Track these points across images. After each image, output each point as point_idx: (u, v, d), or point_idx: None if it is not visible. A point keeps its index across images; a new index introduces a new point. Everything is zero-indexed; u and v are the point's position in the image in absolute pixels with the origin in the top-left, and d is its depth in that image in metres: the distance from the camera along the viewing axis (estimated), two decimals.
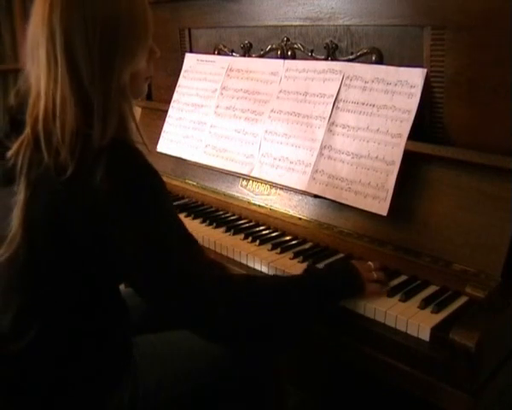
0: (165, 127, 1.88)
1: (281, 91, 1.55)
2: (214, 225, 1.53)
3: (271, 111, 1.56)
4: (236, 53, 1.76)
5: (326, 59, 1.49)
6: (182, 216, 1.62)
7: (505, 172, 1.11)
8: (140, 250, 0.91)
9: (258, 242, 1.40)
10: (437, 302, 1.09)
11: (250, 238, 1.43)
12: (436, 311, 1.07)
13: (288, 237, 1.45)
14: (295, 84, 1.52)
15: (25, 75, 0.98)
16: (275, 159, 1.51)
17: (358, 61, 1.41)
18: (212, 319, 0.96)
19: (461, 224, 1.16)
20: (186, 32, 1.91)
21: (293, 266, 1.28)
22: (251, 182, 1.60)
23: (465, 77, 1.21)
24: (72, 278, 0.96)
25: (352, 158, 1.34)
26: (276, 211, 1.52)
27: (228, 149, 1.64)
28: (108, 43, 0.93)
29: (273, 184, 1.53)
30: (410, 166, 1.26)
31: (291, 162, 1.47)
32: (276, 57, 1.62)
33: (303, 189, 1.42)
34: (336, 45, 1.46)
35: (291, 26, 1.56)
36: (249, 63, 1.68)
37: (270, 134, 1.55)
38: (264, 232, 1.49)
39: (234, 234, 1.47)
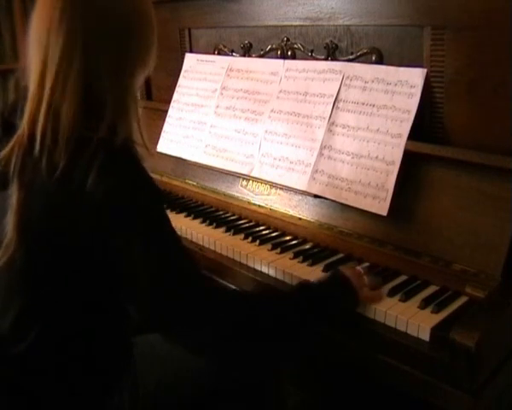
0: (165, 127, 1.88)
1: (281, 91, 1.55)
2: (214, 225, 1.53)
3: (271, 111, 1.56)
4: (236, 53, 1.76)
5: (326, 59, 1.49)
6: (182, 216, 1.63)
7: (505, 172, 1.11)
8: (138, 255, 0.90)
9: (258, 242, 1.40)
10: (437, 302, 1.09)
11: (250, 238, 1.43)
12: (436, 311, 1.07)
13: (288, 237, 1.45)
14: (295, 84, 1.52)
15: (21, 73, 0.96)
16: (275, 159, 1.51)
17: (358, 61, 1.41)
18: (203, 334, 0.94)
19: (461, 224, 1.16)
20: (186, 32, 1.91)
21: (293, 266, 1.28)
22: (251, 182, 1.60)
23: (465, 77, 1.21)
24: (70, 280, 0.95)
25: (352, 158, 1.34)
26: (276, 211, 1.52)
27: (228, 149, 1.64)
28: (126, 41, 0.93)
29: (273, 184, 1.53)
30: (410, 166, 1.26)
31: (291, 162, 1.47)
32: (276, 57, 1.62)
33: (303, 189, 1.42)
34: (336, 45, 1.46)
35: (291, 26, 1.56)
36: (249, 63, 1.68)
37: (270, 134, 1.55)
38: (264, 232, 1.49)
39: (234, 234, 1.47)
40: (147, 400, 1.08)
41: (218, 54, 1.82)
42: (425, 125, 1.29)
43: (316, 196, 1.40)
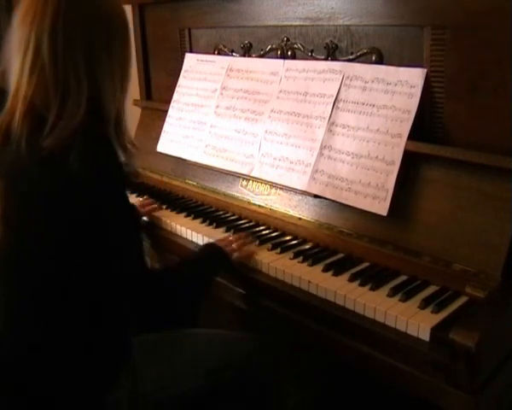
0: (165, 127, 1.88)
1: (281, 91, 1.55)
2: (214, 225, 1.53)
3: (271, 111, 1.56)
4: (236, 53, 1.76)
5: (326, 59, 1.49)
6: (182, 216, 1.63)
7: (505, 172, 1.11)
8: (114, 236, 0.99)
9: (258, 242, 1.40)
10: (437, 302, 1.09)
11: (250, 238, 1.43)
12: (436, 311, 1.07)
13: (288, 237, 1.45)
14: (295, 84, 1.52)
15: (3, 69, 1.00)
16: (275, 159, 1.51)
17: (358, 61, 1.41)
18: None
19: (461, 224, 1.16)
20: (186, 32, 1.91)
21: (293, 266, 1.28)
22: (251, 182, 1.60)
23: (465, 77, 1.21)
24: (64, 275, 0.96)
25: (352, 158, 1.34)
26: (276, 211, 1.52)
27: (228, 149, 1.64)
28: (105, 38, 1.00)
29: (273, 184, 1.53)
30: (410, 166, 1.26)
31: (291, 162, 1.47)
32: (276, 57, 1.62)
33: (303, 189, 1.42)
34: (336, 45, 1.46)
35: (291, 26, 1.56)
36: (249, 63, 1.68)
37: (270, 134, 1.55)
38: (264, 232, 1.49)
39: (234, 234, 1.47)
40: (146, 399, 1.08)
41: (218, 54, 1.82)
42: (425, 125, 1.29)
43: (316, 196, 1.40)
